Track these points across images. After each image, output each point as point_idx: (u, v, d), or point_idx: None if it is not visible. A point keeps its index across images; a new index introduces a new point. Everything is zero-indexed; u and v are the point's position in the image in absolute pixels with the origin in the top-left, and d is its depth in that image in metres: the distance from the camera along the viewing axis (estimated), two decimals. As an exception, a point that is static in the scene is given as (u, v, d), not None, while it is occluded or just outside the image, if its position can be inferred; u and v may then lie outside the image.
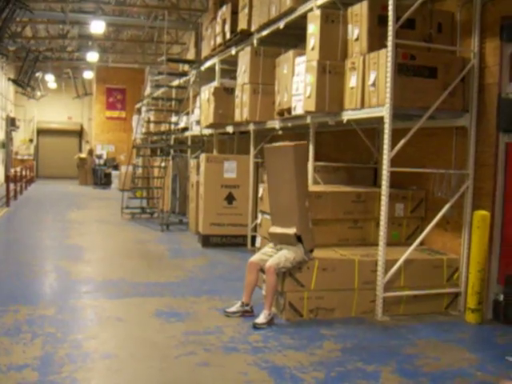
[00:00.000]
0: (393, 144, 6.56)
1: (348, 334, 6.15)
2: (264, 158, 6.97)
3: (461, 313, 6.97)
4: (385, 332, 6.31)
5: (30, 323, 6.19)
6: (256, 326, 6.26)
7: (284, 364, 5.24)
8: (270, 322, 6.34)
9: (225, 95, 11.44)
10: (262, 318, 6.34)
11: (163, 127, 17.26)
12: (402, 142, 6.66)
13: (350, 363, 5.31)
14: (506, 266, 6.78)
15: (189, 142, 15.57)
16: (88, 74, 30.68)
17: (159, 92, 18.15)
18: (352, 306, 6.75)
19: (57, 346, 5.52)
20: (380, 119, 6.83)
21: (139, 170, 18.49)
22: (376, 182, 8.91)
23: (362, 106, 6.98)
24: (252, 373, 5.04)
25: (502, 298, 6.74)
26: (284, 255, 6.47)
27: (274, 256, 6.53)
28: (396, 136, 6.62)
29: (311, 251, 6.65)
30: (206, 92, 12.18)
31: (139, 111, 21.91)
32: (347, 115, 7.30)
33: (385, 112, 6.48)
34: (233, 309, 6.68)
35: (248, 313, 6.62)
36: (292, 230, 6.48)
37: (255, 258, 6.81)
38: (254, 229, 10.99)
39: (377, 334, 6.22)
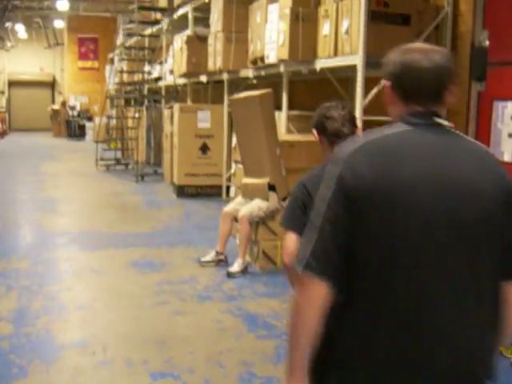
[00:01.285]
0: (366, 92, 6.55)
1: (321, 282, 6.23)
2: (231, 111, 6.88)
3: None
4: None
5: (5, 276, 6.19)
6: (230, 275, 6.32)
7: (257, 311, 5.32)
8: (243, 271, 6.41)
9: (198, 44, 11.26)
10: (235, 267, 6.41)
11: (137, 77, 17.00)
12: (375, 90, 6.63)
13: (322, 310, 5.40)
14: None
15: (163, 92, 15.39)
16: (59, 24, 29.97)
17: (132, 41, 17.82)
18: (325, 254, 6.82)
19: (32, 298, 5.54)
20: (353, 68, 6.79)
21: (113, 121, 18.31)
22: (350, 131, 8.92)
23: (335, 54, 6.92)
24: (225, 320, 5.12)
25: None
26: (257, 204, 6.50)
27: (247, 205, 6.56)
28: (369, 84, 6.60)
29: (284, 199, 6.68)
30: (179, 41, 11.99)
31: (112, 61, 21.56)
32: (320, 63, 7.24)
33: (358, 60, 6.44)
34: (207, 258, 6.73)
35: (222, 262, 6.68)
36: (265, 180, 6.49)
37: (229, 207, 6.84)
38: (229, 179, 10.98)
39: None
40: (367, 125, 6.63)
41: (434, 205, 1.71)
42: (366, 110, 6.58)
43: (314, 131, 3.27)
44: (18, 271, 6.42)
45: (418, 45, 2.02)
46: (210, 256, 6.74)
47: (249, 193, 6.74)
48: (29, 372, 4.07)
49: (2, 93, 33.43)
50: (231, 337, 4.78)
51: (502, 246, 1.79)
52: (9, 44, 31.91)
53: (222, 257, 6.72)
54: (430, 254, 1.71)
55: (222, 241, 6.75)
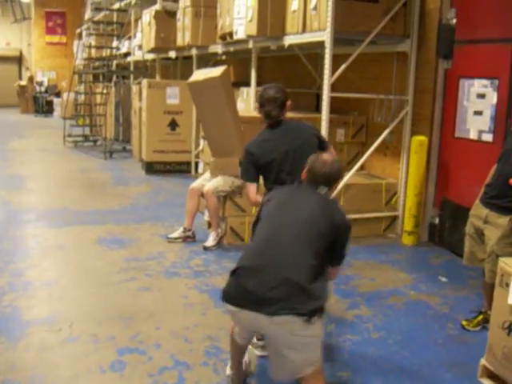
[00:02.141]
0: (334, 69, 6.55)
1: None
2: (190, 93, 6.83)
3: (398, 235, 7.19)
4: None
5: (-31, 253, 6.14)
6: (207, 249, 6.38)
7: (223, 287, 5.33)
8: (219, 243, 6.49)
9: (167, 18, 11.13)
10: (210, 241, 6.44)
11: (105, 52, 16.78)
12: (343, 67, 6.66)
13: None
14: (441, 190, 6.98)
15: (131, 68, 15.22)
16: (26, -3, 29.40)
17: (100, 16, 17.55)
18: (293, 231, 6.86)
19: (-3, 275, 5.50)
20: (322, 44, 6.79)
21: (81, 97, 18.07)
22: (318, 108, 8.93)
23: (304, 30, 6.90)
24: (192, 296, 5.14)
25: (437, 221, 6.96)
26: (222, 179, 6.52)
27: (212, 180, 6.57)
28: (337, 61, 6.61)
29: None
30: (148, 15, 11.83)
31: (80, 36, 21.23)
32: (289, 40, 7.22)
33: (326, 36, 6.43)
34: (175, 234, 6.73)
35: (190, 238, 6.70)
36: (236, 158, 6.49)
37: (195, 183, 6.84)
38: (198, 155, 10.96)
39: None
40: (335, 102, 6.66)
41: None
42: (334, 87, 6.60)
43: (257, 105, 4.41)
44: (-16, 248, 6.36)
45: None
46: (178, 232, 6.74)
47: (218, 170, 6.72)
48: (-6, 349, 4.06)
49: (-33, 68, 32.74)
50: (197, 312, 4.80)
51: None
52: (-26, 18, 31.19)
53: (189, 233, 6.73)
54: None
55: (190, 217, 6.76)
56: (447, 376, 3.95)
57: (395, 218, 7.31)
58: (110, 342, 4.21)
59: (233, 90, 6.80)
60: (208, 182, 6.66)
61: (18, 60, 33.61)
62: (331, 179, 3.43)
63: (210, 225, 7.11)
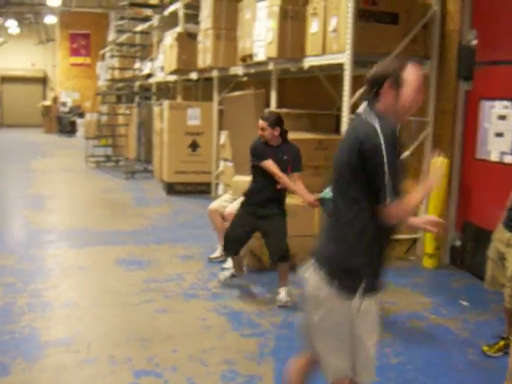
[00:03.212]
0: (353, 91, 6.55)
1: (308, 280, 6.24)
2: (224, 108, 6.92)
3: (419, 258, 7.12)
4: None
5: (-10, 273, 6.18)
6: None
7: (242, 310, 5.32)
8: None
9: (188, 41, 11.23)
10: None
11: (128, 74, 16.98)
12: (363, 88, 6.64)
13: (307, 308, 5.40)
14: (463, 212, 6.90)
15: (153, 89, 15.36)
16: (51, 19, 29.81)
17: (123, 38, 17.78)
18: (312, 252, 6.82)
19: (16, 295, 5.52)
20: (341, 66, 6.80)
21: (104, 118, 18.25)
22: (338, 129, 8.92)
23: (323, 52, 6.92)
24: (210, 318, 5.12)
25: (458, 243, 6.88)
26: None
27: (233, 203, 6.55)
28: (357, 83, 6.59)
29: None
30: (169, 37, 11.95)
31: (103, 57, 21.50)
32: (308, 61, 7.24)
33: (345, 58, 6.45)
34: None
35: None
36: None
37: (214, 204, 6.81)
38: (218, 176, 11.00)
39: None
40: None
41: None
42: (354, 108, 6.58)
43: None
44: (4, 268, 6.40)
45: None
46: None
47: (239, 190, 6.72)
48: (11, 369, 4.06)
49: (-6, 89, 33.25)
50: (215, 335, 4.77)
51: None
52: (0, 39, 31.73)
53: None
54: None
55: (221, 235, 6.67)
56: (467, 403, 3.88)
57: (416, 240, 7.24)
58: (126, 364, 4.20)
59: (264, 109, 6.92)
60: (227, 203, 6.65)
61: (43, 81, 34.08)
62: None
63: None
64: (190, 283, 6.03)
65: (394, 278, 6.40)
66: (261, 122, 5.62)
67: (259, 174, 5.60)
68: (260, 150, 5.62)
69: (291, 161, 5.65)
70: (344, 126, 6.57)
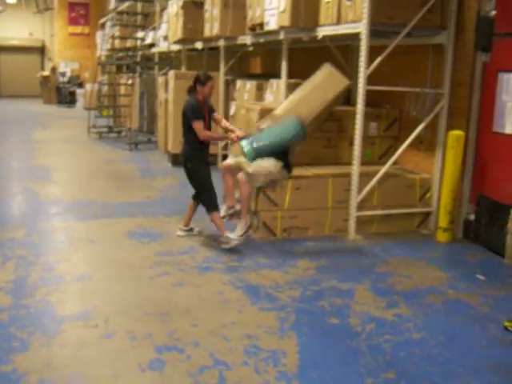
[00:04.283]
0: (369, 61, 6.42)
1: (322, 253, 6.18)
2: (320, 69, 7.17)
3: (431, 232, 7.04)
4: (358, 250, 6.35)
5: (0, 246, 6.08)
6: (234, 239, 6.25)
7: (259, 283, 5.25)
8: (247, 231, 6.32)
9: (194, 9, 11.02)
10: (238, 230, 6.29)
11: (129, 43, 16.74)
12: (379, 59, 6.52)
13: (324, 281, 5.35)
14: (478, 186, 6.82)
15: (156, 59, 15.14)
16: (48, -13, 29.41)
17: (124, 6, 17.45)
18: (325, 225, 6.76)
19: (29, 268, 5.44)
20: (355, 36, 6.67)
21: (105, 88, 18.04)
22: (349, 101, 8.79)
23: (338, 21, 6.78)
24: (227, 292, 5.05)
25: (473, 217, 6.81)
26: (258, 165, 6.39)
27: (251, 164, 6.43)
28: (371, 54, 6.47)
29: (289, 170, 6.58)
30: (175, 6, 11.72)
31: (103, 27, 21.20)
32: (322, 31, 7.10)
33: (361, 28, 6.31)
34: (221, 213, 6.55)
35: (236, 215, 6.47)
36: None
37: (227, 161, 6.68)
38: (225, 147, 10.87)
39: (350, 253, 6.26)
40: (367, 94, 6.51)
41: None
42: (368, 80, 6.46)
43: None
44: (14, 241, 6.31)
45: None
46: (223, 211, 6.53)
47: (277, 118, 6.67)
48: (30, 345, 3.99)
49: (-10, 58, 32.87)
50: (234, 309, 4.70)
51: None
52: (-3, 8, 31.27)
53: (233, 209, 6.47)
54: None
55: (230, 194, 6.55)
56: (494, 380, 3.83)
57: (429, 213, 7.16)
58: (147, 340, 4.13)
59: (339, 99, 7.26)
60: (239, 160, 6.50)
61: (41, 51, 33.71)
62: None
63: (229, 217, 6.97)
64: (203, 256, 5.96)
65: (407, 251, 6.37)
66: (213, 82, 6.39)
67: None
68: (200, 109, 6.32)
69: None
70: (360, 97, 6.44)
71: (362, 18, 6.29)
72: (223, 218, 6.50)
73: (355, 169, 6.59)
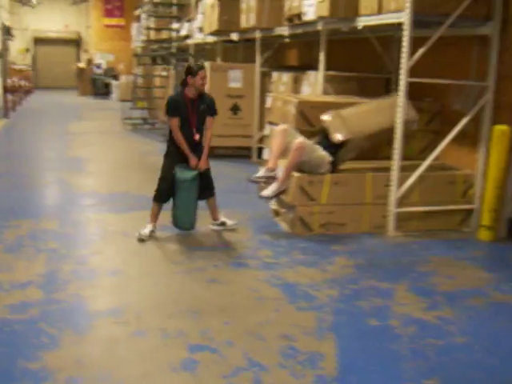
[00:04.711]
0: (412, 53, 6.19)
1: (360, 250, 5.99)
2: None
3: (473, 230, 6.78)
4: (397, 248, 6.15)
5: (33, 238, 6.02)
6: (260, 196, 6.29)
7: (296, 281, 5.08)
8: (278, 195, 6.35)
9: (230, 0, 10.87)
10: (269, 191, 6.27)
11: (164, 35, 16.66)
12: (421, 50, 6.28)
13: (363, 280, 5.16)
14: (523, 182, 6.55)
15: (191, 50, 15.03)
16: (85, -21, 29.55)
17: (160, -3, 17.40)
18: (363, 221, 6.56)
19: (61, 262, 5.36)
20: (396, 26, 6.44)
21: (140, 80, 18.01)
22: (389, 93, 8.55)
23: (380, 11, 6.55)
24: (263, 289, 4.89)
25: (517, 215, 6.55)
26: (313, 144, 6.35)
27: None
28: (415, 44, 6.24)
29: (334, 166, 6.45)
30: (210, -3, 11.58)
31: (139, 18, 21.16)
32: (363, 21, 6.88)
33: (404, 18, 6.07)
34: (259, 174, 6.45)
35: (272, 179, 6.35)
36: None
37: (284, 126, 6.59)
38: (260, 140, 10.71)
39: (389, 251, 6.06)
40: (408, 87, 6.28)
41: None
42: (412, 72, 6.24)
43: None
44: (47, 232, 6.25)
45: None
46: (262, 171, 6.42)
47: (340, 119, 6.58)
48: (60, 342, 3.88)
49: (28, 50, 33.18)
50: (270, 308, 4.55)
51: None
52: (34, 1, 31.54)
53: (273, 173, 6.35)
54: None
55: (275, 155, 6.42)
56: (545, 388, 3.62)
57: (471, 211, 6.91)
58: (179, 338, 4.00)
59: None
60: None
61: (77, 42, 33.92)
62: None
63: (277, 213, 6.87)
64: (238, 252, 5.82)
65: (448, 250, 6.14)
66: (205, 72, 5.93)
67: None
68: (177, 105, 5.98)
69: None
70: (401, 90, 6.22)
71: (404, 7, 6.05)
72: (259, 180, 6.42)
73: (395, 164, 6.37)
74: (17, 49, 32.55)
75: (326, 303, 4.65)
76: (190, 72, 5.90)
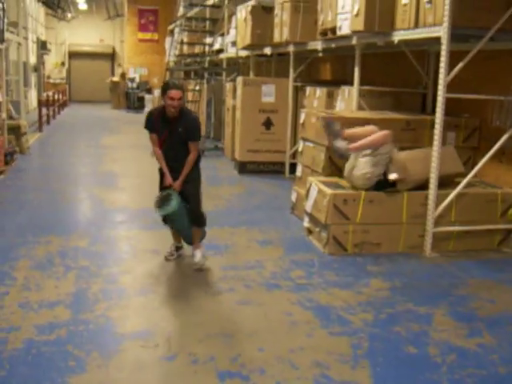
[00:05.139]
0: (450, 67, 6.01)
1: (396, 272, 5.80)
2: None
3: (515, 250, 6.56)
4: (434, 270, 5.94)
5: (63, 255, 5.95)
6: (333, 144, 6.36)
7: (329, 303, 4.92)
8: (341, 154, 6.43)
9: (263, 14, 10.80)
10: (341, 144, 6.32)
11: (197, 49, 16.68)
12: (460, 65, 6.09)
13: (399, 304, 4.97)
14: None
15: (224, 65, 14.99)
16: (119, -6, 29.87)
17: (193, 12, 17.44)
18: (399, 241, 6.37)
19: (90, 280, 5.27)
20: (433, 40, 6.27)
21: (173, 94, 18.02)
22: (424, 109, 8.38)
23: (416, 25, 6.39)
24: (296, 313, 4.73)
25: (561, 235, 6.30)
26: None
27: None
28: (453, 59, 6.06)
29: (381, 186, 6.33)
30: (243, 11, 11.53)
31: (172, 33, 21.26)
32: (399, 35, 6.72)
33: (442, 32, 5.90)
34: (339, 143, 6.44)
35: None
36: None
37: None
38: (293, 156, 10.59)
39: (426, 272, 5.85)
40: (446, 102, 6.09)
41: None
42: (450, 87, 6.05)
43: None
44: (77, 250, 6.18)
45: None
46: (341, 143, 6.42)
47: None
48: (87, 366, 3.77)
49: (63, 64, 33.62)
50: (303, 332, 4.38)
51: None
52: (69, 15, 31.99)
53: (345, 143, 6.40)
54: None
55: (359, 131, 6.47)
56: None
57: (511, 231, 6.67)
58: (209, 364, 3.87)
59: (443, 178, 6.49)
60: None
61: (111, 56, 34.28)
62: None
63: (309, 232, 6.72)
64: (270, 272, 5.67)
65: (488, 271, 5.92)
66: (177, 92, 5.30)
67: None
68: (152, 121, 5.60)
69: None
70: (439, 106, 6.03)
71: (442, 21, 5.88)
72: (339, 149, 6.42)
73: (432, 181, 6.18)
74: (52, 63, 33.05)
75: (361, 328, 4.48)
76: (162, 89, 5.42)
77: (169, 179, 5.57)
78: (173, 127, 5.46)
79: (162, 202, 5.56)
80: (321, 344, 4.20)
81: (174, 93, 5.26)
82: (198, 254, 5.74)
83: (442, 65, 5.94)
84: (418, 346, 4.23)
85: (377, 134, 6.23)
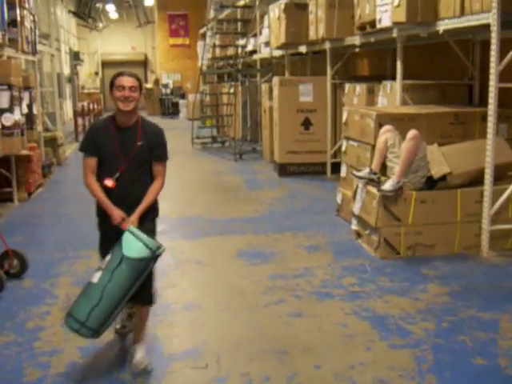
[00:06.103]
0: (501, 56, 5.66)
1: (453, 274, 5.48)
2: None
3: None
4: (494, 271, 5.60)
5: (105, 270, 5.77)
6: (381, 191, 5.84)
7: (386, 312, 4.63)
8: (397, 191, 5.83)
9: (297, 12, 10.52)
10: (388, 185, 5.82)
11: (230, 51, 16.49)
12: (511, 53, 5.74)
13: (461, 310, 4.66)
14: None
15: (258, 66, 14.76)
16: (149, 1, 29.84)
17: (224, 14, 17.27)
18: (454, 242, 6.04)
19: (134, 296, 5.07)
20: (478, 29, 5.95)
21: (207, 98, 17.87)
22: (471, 101, 8.01)
23: (462, 13, 6.06)
24: (352, 324, 4.46)
25: None
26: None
27: None
28: (504, 47, 5.71)
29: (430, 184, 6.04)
30: (276, 10, 11.27)
31: (204, 36, 21.12)
32: (443, 25, 6.39)
33: (491, 19, 5.55)
34: (361, 173, 6.17)
35: (374, 182, 6.05)
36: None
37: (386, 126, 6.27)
38: (334, 155, 10.30)
39: (486, 274, 5.52)
40: (503, 93, 5.77)
41: None
42: (502, 76, 5.71)
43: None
44: (119, 263, 5.99)
45: None
46: (364, 172, 6.16)
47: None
48: (135, 391, 3.58)
49: (96, 73, 33.81)
50: (361, 346, 4.11)
51: None
52: (100, 25, 32.16)
53: (374, 177, 6.07)
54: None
55: (378, 158, 6.13)
56: None
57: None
58: (264, 384, 3.63)
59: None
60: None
61: (143, 63, 34.39)
62: None
63: (358, 235, 6.44)
64: (320, 280, 5.40)
65: (503, 277, 5.49)
66: (128, 79, 3.88)
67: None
68: (91, 137, 4.05)
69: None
70: (492, 97, 5.70)
71: (491, 7, 5.54)
72: (363, 179, 6.16)
73: (488, 177, 5.84)
74: (85, 73, 33.25)
75: (423, 339, 4.18)
76: (110, 83, 3.97)
77: (118, 213, 3.89)
78: (129, 142, 3.92)
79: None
80: (382, 358, 3.93)
81: (124, 79, 3.86)
82: (140, 352, 3.88)
83: (493, 53, 5.60)
84: (486, 356, 3.92)
85: (405, 147, 5.89)
